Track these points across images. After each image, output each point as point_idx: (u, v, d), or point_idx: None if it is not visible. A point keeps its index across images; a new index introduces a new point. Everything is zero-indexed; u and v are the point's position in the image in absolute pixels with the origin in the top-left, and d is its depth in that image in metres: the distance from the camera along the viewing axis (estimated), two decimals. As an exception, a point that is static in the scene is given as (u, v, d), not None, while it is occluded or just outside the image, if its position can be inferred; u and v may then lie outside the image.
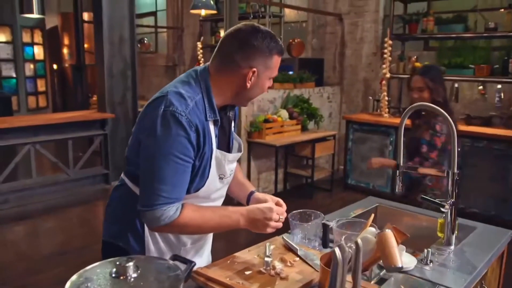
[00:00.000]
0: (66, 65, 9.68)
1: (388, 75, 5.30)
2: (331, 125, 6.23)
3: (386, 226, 1.20)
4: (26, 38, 9.19)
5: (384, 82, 5.34)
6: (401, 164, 1.83)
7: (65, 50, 9.74)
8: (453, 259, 1.61)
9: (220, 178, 1.45)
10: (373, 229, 1.27)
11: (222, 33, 7.34)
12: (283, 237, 1.65)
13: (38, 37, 9.53)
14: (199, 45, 7.52)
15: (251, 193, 1.61)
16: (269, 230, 1.40)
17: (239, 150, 1.57)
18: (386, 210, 2.22)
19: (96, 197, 5.56)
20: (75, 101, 8.64)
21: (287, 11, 6.91)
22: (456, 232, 1.74)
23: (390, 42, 5.24)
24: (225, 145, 1.47)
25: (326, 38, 6.43)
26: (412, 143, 2.61)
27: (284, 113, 5.22)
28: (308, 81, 5.76)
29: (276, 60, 1.38)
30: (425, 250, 1.56)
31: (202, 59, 7.26)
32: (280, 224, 1.42)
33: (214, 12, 6.26)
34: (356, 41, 6.10)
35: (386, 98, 5.37)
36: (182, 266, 1.08)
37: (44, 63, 9.76)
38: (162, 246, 1.44)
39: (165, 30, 9.64)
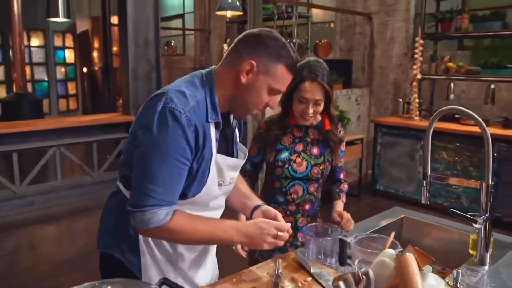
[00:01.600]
0: (96, 68, 9.83)
1: (419, 76, 5.07)
2: (359, 129, 6.03)
3: (407, 249, 1.05)
4: (57, 42, 9.40)
5: (414, 83, 5.11)
6: (429, 173, 1.67)
7: (95, 54, 9.90)
8: (487, 282, 1.43)
9: (219, 185, 1.36)
10: (392, 251, 1.12)
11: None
12: (296, 252, 1.52)
13: (69, 41, 9.73)
14: (225, 47, 7.46)
15: (257, 206, 1.50)
16: (266, 247, 1.29)
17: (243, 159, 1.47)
18: (412, 222, 2.06)
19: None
20: (104, 104, 8.76)
21: (314, 11, 6.75)
22: (491, 250, 1.57)
23: (422, 41, 5.01)
24: (226, 151, 1.39)
25: (354, 39, 6.24)
26: None
27: (310, 116, 5.06)
28: (335, 83, 5.58)
29: (282, 71, 1.28)
30: (454, 271, 1.39)
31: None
32: (279, 242, 1.30)
33: (240, 13, 6.19)
34: (386, 41, 5.88)
35: (417, 100, 5.13)
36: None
37: (74, 67, 9.96)
38: (158, 257, 1.35)
39: (192, 32, 9.65)
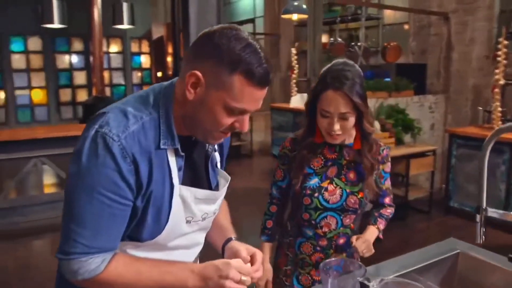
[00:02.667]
0: (170, 72, 10.13)
1: (502, 82, 4.50)
2: (433, 139, 5.52)
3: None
4: (134, 48, 9.81)
5: (496, 90, 4.54)
6: (483, 205, 1.36)
7: (169, 59, 10.20)
8: None
9: (188, 222, 1.12)
10: None
11: (323, 39, 7.04)
12: (309, 293, 1.29)
13: (145, 47, 10.12)
14: (293, 51, 7.26)
15: (228, 240, 1.23)
16: None
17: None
18: (469, 261, 1.72)
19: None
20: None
21: (386, 12, 6.34)
22: None
23: (506, 42, 4.44)
24: (195, 181, 1.14)
25: (429, 41, 5.73)
26: None
27: (376, 125, 4.69)
28: (405, 89, 5.16)
29: (240, 83, 0.95)
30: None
31: (297, 65, 6.99)
32: (242, 287, 1.04)
33: (307, 16, 5.99)
34: (465, 42, 5.33)
35: (499, 108, 4.56)
36: None
37: (150, 71, 10.34)
38: None
39: (262, 36, 9.58)
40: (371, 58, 5.38)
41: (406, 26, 6.23)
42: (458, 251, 1.75)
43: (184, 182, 1.09)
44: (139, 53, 9.95)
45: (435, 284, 1.69)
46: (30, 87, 9.06)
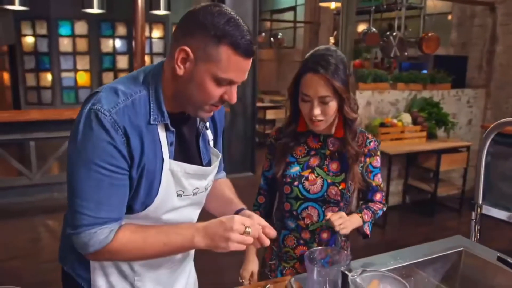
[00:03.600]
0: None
1: (546, 77, 4.26)
2: (470, 134, 5.32)
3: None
4: (175, 33, 9.97)
5: (540, 85, 4.30)
6: (479, 201, 1.32)
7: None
8: None
9: (178, 195, 1.17)
10: None
11: (365, 28, 6.88)
12: (290, 280, 1.31)
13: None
14: (332, 40, 7.17)
15: (240, 210, 1.27)
16: (232, 246, 1.07)
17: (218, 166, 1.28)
18: (473, 259, 1.67)
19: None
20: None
21: (429, 1, 6.11)
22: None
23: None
24: (186, 157, 1.19)
25: (472, 32, 5.48)
26: None
27: (407, 118, 4.59)
28: (442, 82, 4.98)
29: (227, 54, 1.01)
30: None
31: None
32: (247, 239, 1.07)
33: (344, 4, 5.87)
34: (511, 35, 5.06)
35: (542, 105, 4.33)
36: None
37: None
38: (110, 273, 1.21)
39: (302, 25, 9.49)
40: (408, 49, 5.21)
41: (449, 17, 5.99)
42: (462, 248, 1.71)
43: (176, 157, 1.14)
44: (180, 39, 10.10)
45: (436, 280, 1.66)
46: (75, 70, 9.41)
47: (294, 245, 1.59)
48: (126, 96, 1.06)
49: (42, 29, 9.03)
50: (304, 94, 1.44)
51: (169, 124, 1.11)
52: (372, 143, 1.57)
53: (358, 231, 1.56)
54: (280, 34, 9.38)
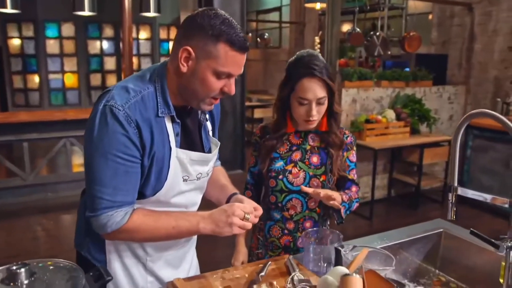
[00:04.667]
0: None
1: (521, 74, 4.48)
2: (452, 129, 5.53)
3: (361, 271, 0.94)
4: (163, 35, 10.03)
5: (515, 81, 4.53)
6: (455, 183, 1.48)
7: (196, 46, 10.40)
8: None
9: (184, 180, 1.31)
10: (342, 269, 1.01)
11: (349, 28, 7.06)
12: (289, 257, 1.45)
13: (173, 34, 10.29)
14: (317, 39, 7.34)
15: (232, 195, 1.43)
16: (236, 230, 1.22)
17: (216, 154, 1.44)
18: (452, 240, 1.84)
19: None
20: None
21: (411, 2, 6.32)
22: (520, 280, 1.34)
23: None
24: (191, 145, 1.33)
25: (452, 31, 5.71)
26: None
27: (391, 114, 4.77)
28: (424, 79, 5.18)
29: (225, 50, 1.15)
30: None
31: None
32: (247, 224, 1.23)
33: (329, 5, 6.04)
34: (488, 34, 5.29)
35: (518, 100, 4.55)
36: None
37: (178, 58, 10.55)
38: (124, 255, 1.34)
39: (287, 25, 9.64)
40: (391, 48, 5.40)
41: (430, 16, 6.21)
42: (441, 230, 1.88)
43: (182, 145, 1.28)
44: (167, 40, 10.15)
45: (418, 259, 1.82)
46: (63, 72, 9.41)
47: (279, 235, 1.68)
48: (136, 92, 1.19)
49: (29, 31, 9.03)
50: (302, 98, 1.53)
51: (175, 116, 1.24)
52: (349, 138, 1.69)
53: (334, 213, 1.64)
54: (267, 34, 9.52)
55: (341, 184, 1.70)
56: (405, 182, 5.04)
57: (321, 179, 1.63)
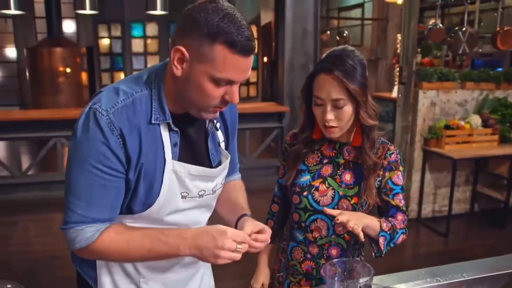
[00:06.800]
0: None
1: None
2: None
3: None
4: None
5: None
6: None
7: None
8: None
9: (183, 197, 1.14)
10: None
11: (431, 23, 6.51)
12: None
13: (253, 32, 10.29)
14: (399, 37, 6.83)
15: (241, 216, 1.22)
16: (220, 262, 1.04)
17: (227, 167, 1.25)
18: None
19: (268, 188, 5.66)
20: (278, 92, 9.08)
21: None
22: None
23: None
24: (193, 158, 1.16)
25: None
26: None
27: (476, 120, 4.24)
28: (517, 81, 4.55)
29: (222, 53, 0.97)
30: None
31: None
32: (236, 256, 1.04)
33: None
34: None
35: None
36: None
37: (257, 56, 10.53)
38: (115, 273, 1.20)
39: (370, 22, 9.17)
40: (482, 45, 4.82)
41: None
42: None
43: (181, 157, 1.12)
44: (249, 39, 10.18)
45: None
46: (146, 69, 9.87)
47: (301, 259, 1.49)
48: (127, 95, 1.06)
49: (117, 31, 9.54)
50: (316, 97, 1.33)
51: (171, 124, 1.09)
52: (393, 155, 1.42)
53: (370, 243, 1.37)
54: (346, 32, 9.11)
55: (384, 210, 1.44)
56: (491, 196, 4.47)
57: (352, 201, 1.39)
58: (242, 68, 1.01)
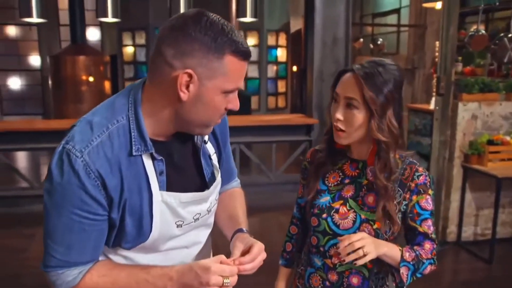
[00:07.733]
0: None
1: None
2: None
3: None
4: (271, 41, 9.83)
5: None
6: None
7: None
8: None
9: (178, 226, 1.10)
10: None
11: (473, 29, 6.09)
12: None
13: (282, 40, 10.08)
14: (438, 44, 6.44)
15: (238, 231, 1.19)
16: None
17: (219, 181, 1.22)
18: None
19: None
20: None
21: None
22: None
23: None
24: (184, 183, 1.11)
25: None
26: None
27: (525, 135, 3.85)
28: None
29: (232, 62, 0.97)
30: None
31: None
32: None
33: (453, 4, 5.19)
34: None
35: None
36: None
37: (286, 65, 10.28)
38: None
39: (406, 29, 8.77)
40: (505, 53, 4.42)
41: None
42: None
43: (170, 185, 1.07)
44: (275, 46, 9.92)
45: None
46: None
47: (319, 287, 1.41)
48: (102, 129, 1.00)
49: (141, 39, 9.42)
50: (335, 92, 1.31)
51: (154, 154, 1.03)
52: (422, 177, 1.32)
53: (392, 273, 1.31)
54: (381, 39, 8.74)
55: (410, 237, 1.35)
56: (541, 220, 4.04)
57: (374, 226, 1.30)
58: (244, 74, 1.04)
